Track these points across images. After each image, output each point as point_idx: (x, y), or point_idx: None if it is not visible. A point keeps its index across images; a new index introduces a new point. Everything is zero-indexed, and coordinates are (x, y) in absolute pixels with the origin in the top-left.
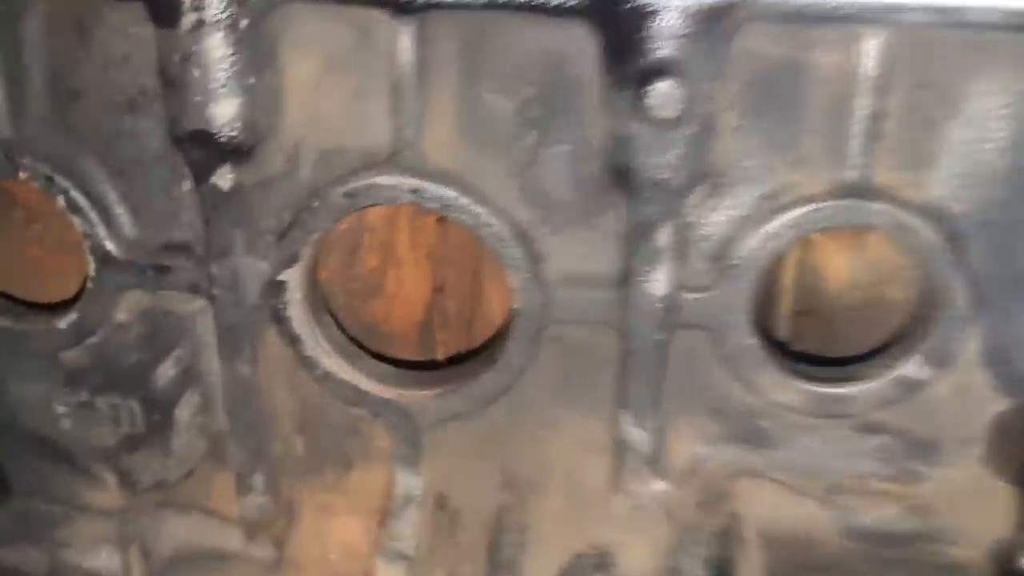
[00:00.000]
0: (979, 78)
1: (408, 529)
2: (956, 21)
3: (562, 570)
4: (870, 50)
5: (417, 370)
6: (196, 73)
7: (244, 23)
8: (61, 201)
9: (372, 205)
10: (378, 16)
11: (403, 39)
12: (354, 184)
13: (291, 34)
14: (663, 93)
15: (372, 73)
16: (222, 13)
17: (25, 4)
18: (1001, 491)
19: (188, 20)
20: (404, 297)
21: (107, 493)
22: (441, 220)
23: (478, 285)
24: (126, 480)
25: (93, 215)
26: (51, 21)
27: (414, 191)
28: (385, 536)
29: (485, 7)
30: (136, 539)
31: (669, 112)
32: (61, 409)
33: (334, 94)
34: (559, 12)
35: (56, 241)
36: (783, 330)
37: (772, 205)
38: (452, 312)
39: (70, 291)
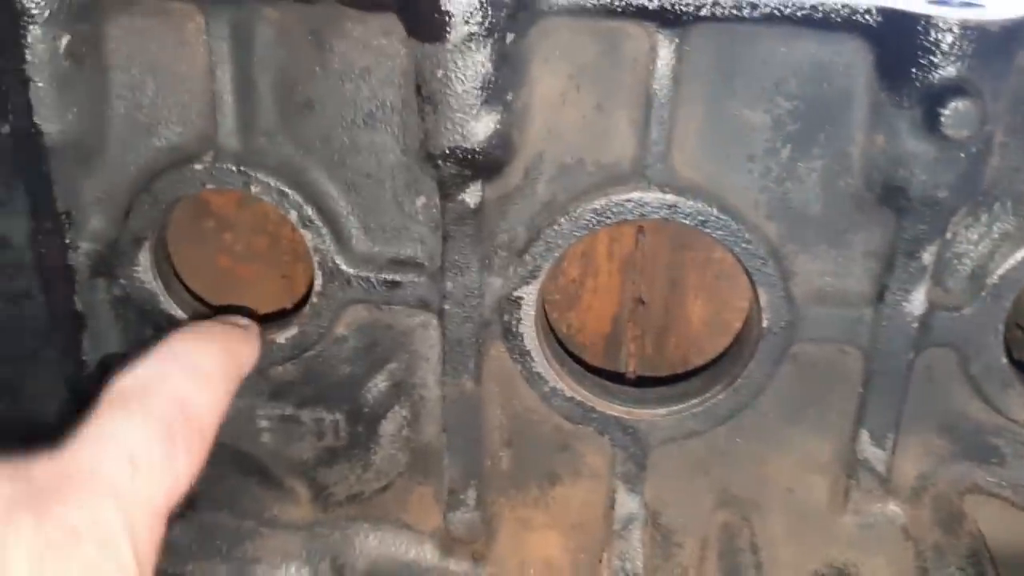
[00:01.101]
0: None
1: (635, 549)
2: None
3: None
4: None
5: (610, 380)
6: (459, 89)
7: (510, 38)
8: (294, 216)
9: (622, 222)
10: (633, 29)
11: (663, 51)
12: (604, 200)
13: (543, 48)
14: (961, 113)
15: (617, 87)
16: (492, 27)
17: (255, 15)
18: None
19: (457, 34)
20: (598, 307)
21: (299, 507)
22: (640, 231)
23: (676, 297)
24: (320, 494)
25: (324, 230)
26: (283, 33)
27: (670, 207)
28: (613, 556)
29: (758, 20)
30: (328, 554)
31: (965, 132)
32: (264, 423)
33: (577, 108)
34: (838, 26)
35: (245, 250)
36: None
37: None
38: (646, 324)
39: (256, 301)
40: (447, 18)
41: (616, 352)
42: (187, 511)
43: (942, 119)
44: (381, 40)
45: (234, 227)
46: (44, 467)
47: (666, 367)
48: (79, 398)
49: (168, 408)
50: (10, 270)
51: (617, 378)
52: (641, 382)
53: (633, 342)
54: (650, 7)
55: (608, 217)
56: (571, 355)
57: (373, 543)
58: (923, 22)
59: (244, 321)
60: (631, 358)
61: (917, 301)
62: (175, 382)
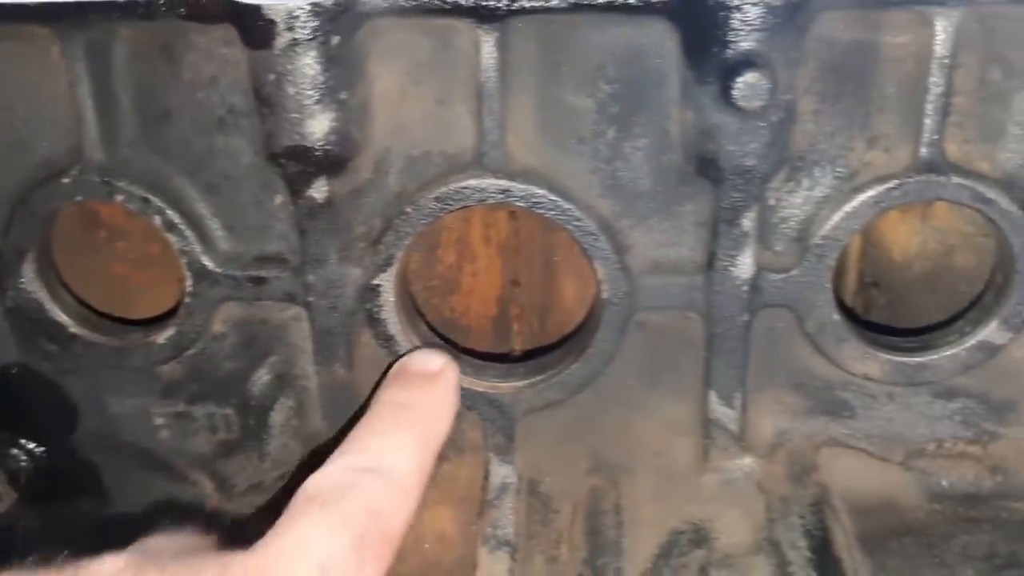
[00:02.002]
0: None
1: (507, 517)
2: None
3: (661, 547)
4: (941, 30)
5: (495, 361)
6: (291, 91)
7: (335, 40)
8: (157, 221)
9: (462, 208)
10: (460, 25)
11: (486, 45)
12: (444, 188)
13: (377, 48)
14: (750, 84)
15: (453, 80)
16: (315, 32)
17: (108, 35)
18: None
19: (282, 40)
20: (480, 291)
21: (206, 498)
22: (513, 215)
23: (552, 276)
24: (223, 485)
25: (189, 232)
26: (136, 48)
27: (503, 191)
28: (486, 525)
29: (567, 9)
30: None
31: (756, 102)
32: (159, 420)
33: (418, 103)
34: (641, 10)
35: (140, 257)
36: (851, 302)
37: (850, 185)
38: (527, 304)
39: (155, 305)
40: (271, 26)
41: (505, 332)
42: (102, 509)
43: (734, 91)
44: (224, 49)
45: (126, 236)
46: (243, 568)
47: (550, 343)
48: None
49: (362, 518)
50: None
51: (505, 357)
52: (527, 358)
53: (516, 321)
54: (465, 4)
55: (449, 203)
56: (453, 339)
57: None
58: (714, 1)
59: (436, 363)
60: (517, 337)
61: (744, 265)
62: (371, 490)
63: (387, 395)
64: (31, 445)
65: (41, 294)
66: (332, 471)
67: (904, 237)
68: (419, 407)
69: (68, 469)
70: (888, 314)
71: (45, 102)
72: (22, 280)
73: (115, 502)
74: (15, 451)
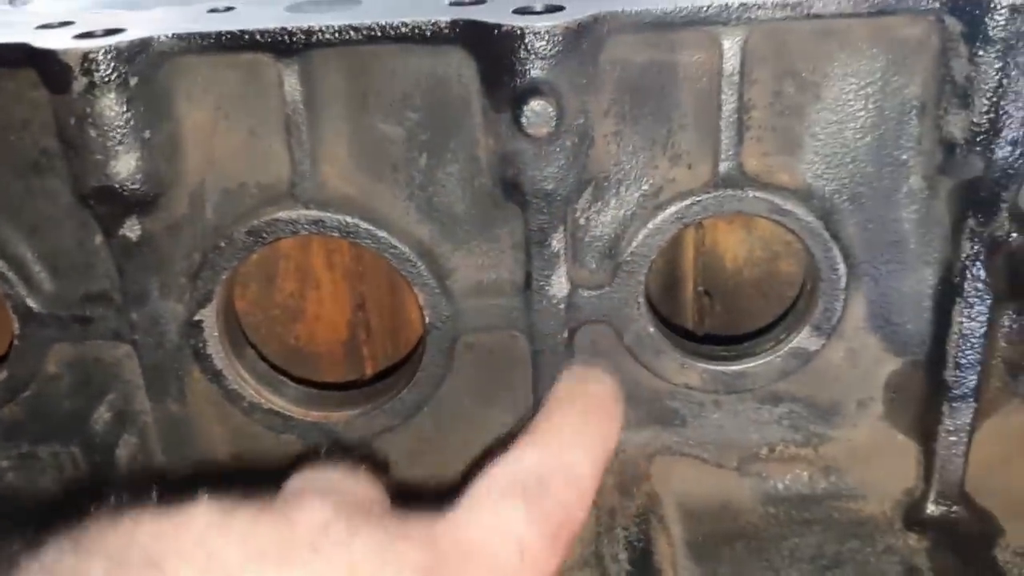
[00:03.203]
0: (834, 63)
1: None
2: (806, 13)
3: None
4: (730, 47)
5: (346, 388)
6: (93, 133)
7: (134, 81)
8: None
9: (275, 240)
10: (262, 59)
11: (289, 78)
12: (256, 221)
13: (183, 85)
14: (536, 112)
15: (263, 113)
16: (111, 74)
17: None
18: (902, 445)
19: (79, 84)
20: (326, 318)
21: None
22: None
23: (397, 298)
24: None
25: (12, 275)
26: None
27: (315, 222)
28: None
29: (364, 41)
30: None
31: (544, 129)
32: (3, 463)
33: (231, 136)
34: (436, 40)
35: None
36: (689, 311)
37: (654, 202)
38: (375, 327)
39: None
40: (67, 70)
41: (356, 358)
42: None
43: (522, 119)
44: (32, 93)
45: None
46: (448, 540)
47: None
48: None
49: (559, 513)
50: None
51: (361, 383)
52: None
53: (366, 346)
54: (262, 40)
55: (264, 236)
56: (298, 368)
57: None
58: (497, 31)
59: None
60: (368, 361)
61: (559, 284)
62: (563, 488)
63: (571, 393)
64: None
65: None
66: (528, 462)
67: (733, 247)
68: (599, 415)
69: None
70: (724, 321)
71: None
72: None
73: None
74: None
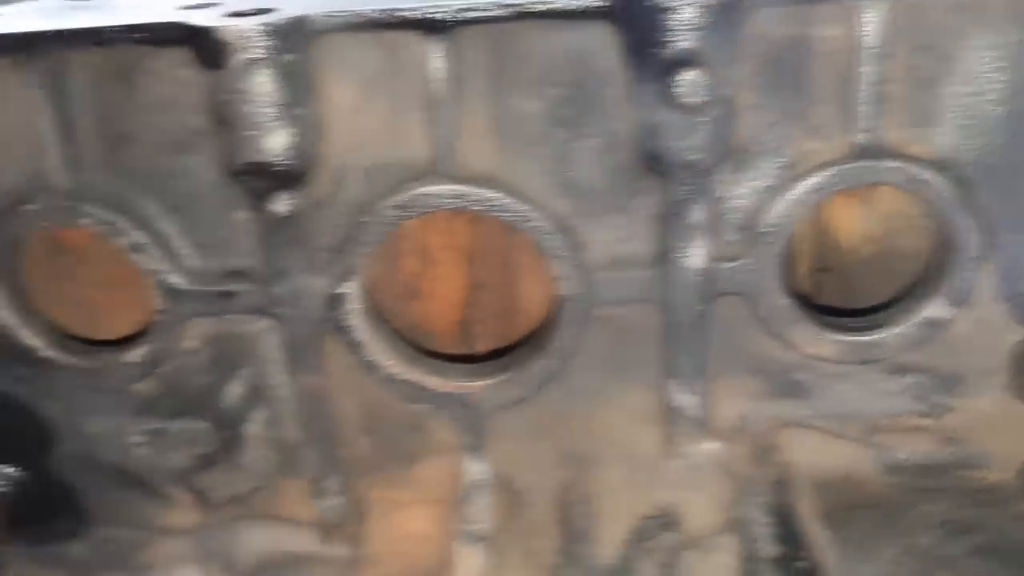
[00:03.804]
0: (971, 36)
1: (481, 512)
2: None
3: (632, 533)
4: (870, 20)
5: (461, 363)
6: (246, 109)
7: (288, 58)
8: (124, 242)
9: (420, 214)
10: (408, 38)
11: (434, 56)
12: (401, 197)
13: (330, 63)
14: (689, 82)
15: (405, 91)
16: (268, 51)
17: (65, 63)
18: None
19: (237, 60)
20: (442, 296)
21: (184, 513)
22: (473, 220)
23: (512, 278)
24: (202, 498)
25: (156, 252)
26: (93, 75)
27: (458, 196)
28: (460, 521)
29: (512, 18)
30: (217, 554)
31: (696, 98)
32: (136, 438)
33: (372, 114)
34: (582, 15)
35: (107, 280)
36: (804, 287)
37: (792, 173)
38: (489, 306)
39: (125, 325)
40: (225, 47)
41: (468, 336)
42: (83, 529)
43: (676, 89)
44: (180, 72)
45: (92, 259)
46: None
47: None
48: None
49: None
50: None
51: (469, 359)
52: (490, 358)
53: (480, 324)
54: (412, 18)
55: (408, 211)
56: (418, 343)
57: (257, 539)
58: (650, 3)
59: None
60: (481, 339)
61: (696, 256)
62: None
63: None
64: (10, 469)
65: (11, 320)
66: None
67: (849, 223)
68: None
69: (46, 491)
70: (839, 298)
71: (7, 131)
72: None
73: (92, 523)
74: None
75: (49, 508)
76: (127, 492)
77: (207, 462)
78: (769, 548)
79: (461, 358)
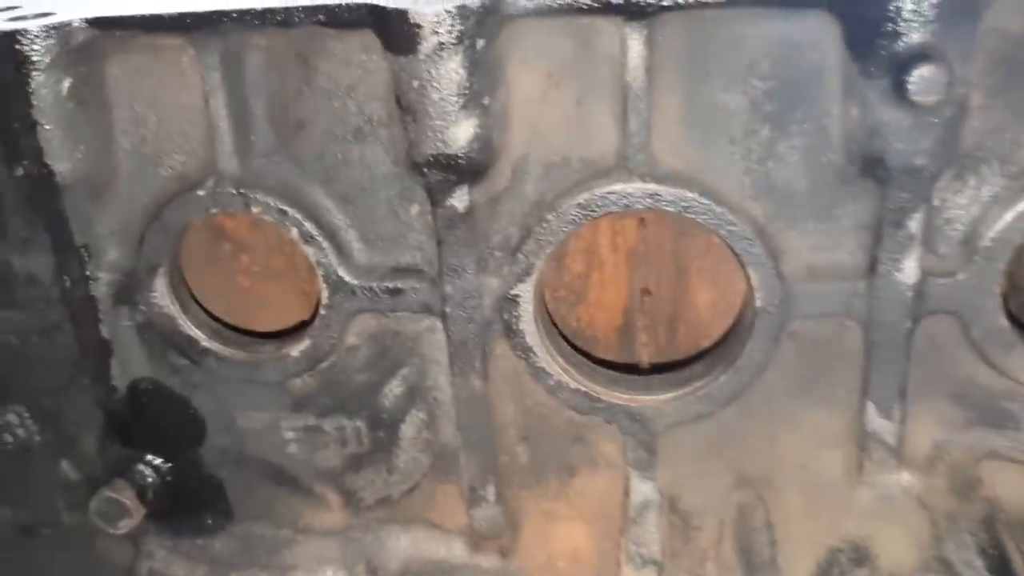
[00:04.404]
0: None
1: (651, 534)
2: None
3: (820, 565)
4: None
5: (626, 372)
6: (435, 97)
7: (480, 44)
8: (295, 233)
9: (607, 214)
10: (604, 24)
11: (634, 44)
12: (589, 194)
13: (518, 50)
14: (926, 78)
15: (595, 82)
16: (461, 36)
17: (243, 43)
18: None
19: (428, 45)
20: (607, 301)
21: (331, 513)
22: (642, 221)
23: (683, 285)
24: (350, 499)
25: (326, 244)
26: (270, 57)
27: (652, 196)
28: (629, 543)
29: (721, 4)
30: (362, 557)
31: (932, 97)
32: (289, 434)
33: (557, 106)
34: (798, 3)
35: (263, 270)
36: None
37: (1020, 183)
38: (655, 313)
39: (277, 317)
40: (417, 30)
41: (630, 343)
42: (227, 524)
43: (909, 86)
44: (362, 56)
45: (250, 248)
46: None
47: (680, 354)
48: (112, 422)
49: None
50: (40, 305)
51: (631, 368)
52: (656, 370)
53: (644, 332)
54: (615, 2)
55: (593, 210)
56: (582, 349)
57: (404, 544)
58: None
59: None
60: (643, 348)
61: (909, 269)
62: None
63: None
64: (158, 460)
65: (173, 308)
66: None
67: None
68: None
69: (192, 484)
70: None
71: (178, 114)
72: (154, 294)
73: (238, 518)
74: (142, 467)
75: (195, 501)
76: (275, 489)
77: (359, 462)
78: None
79: (626, 367)
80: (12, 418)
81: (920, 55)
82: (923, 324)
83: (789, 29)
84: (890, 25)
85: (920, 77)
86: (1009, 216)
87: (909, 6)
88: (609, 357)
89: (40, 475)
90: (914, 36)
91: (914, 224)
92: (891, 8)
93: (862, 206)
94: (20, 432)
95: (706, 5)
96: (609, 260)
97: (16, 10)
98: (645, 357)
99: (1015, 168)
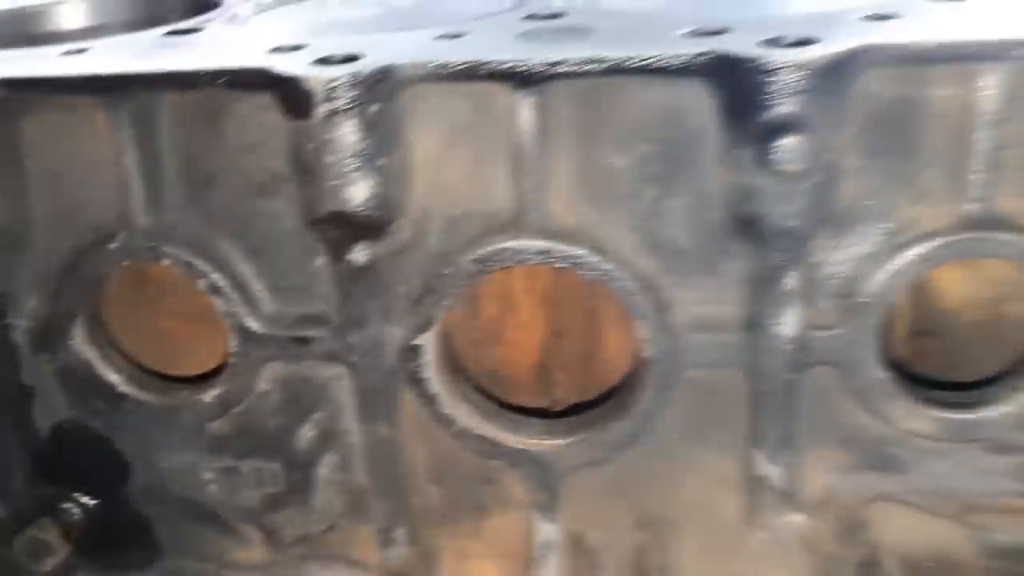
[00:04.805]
0: None
1: (553, 573)
2: None
3: None
4: (989, 84)
5: (536, 415)
6: (330, 159)
7: (373, 108)
8: (202, 284)
9: (501, 268)
10: (496, 89)
11: (524, 109)
12: (484, 250)
13: (416, 112)
14: (790, 148)
15: (493, 142)
16: (354, 101)
17: (153, 103)
18: None
19: (321, 110)
20: (522, 342)
21: (253, 550)
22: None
23: (595, 326)
24: (271, 537)
25: (233, 295)
26: (180, 116)
27: (542, 252)
28: None
29: (604, 73)
30: None
31: (796, 165)
32: (207, 475)
33: (457, 164)
34: (677, 73)
35: (187, 311)
36: (901, 351)
37: (896, 241)
38: (569, 354)
39: (202, 358)
40: (310, 96)
41: (547, 382)
42: (155, 559)
43: (772, 156)
44: (264, 116)
45: (175, 290)
46: None
47: (595, 392)
48: (38, 461)
49: None
50: None
51: (542, 412)
52: (571, 412)
53: (560, 371)
54: (503, 70)
55: (490, 264)
56: (495, 392)
57: None
58: (751, 64)
59: None
60: (560, 387)
61: (789, 323)
62: None
63: None
64: (84, 498)
65: (91, 355)
66: None
67: (955, 286)
68: None
69: (120, 521)
70: (941, 362)
71: (93, 170)
72: (72, 342)
73: (164, 554)
74: (68, 504)
75: (122, 537)
76: (199, 526)
77: (277, 502)
78: None
79: (539, 411)
80: None
81: (786, 125)
82: (809, 374)
83: (671, 96)
84: (759, 96)
85: (784, 147)
86: (883, 274)
87: (776, 78)
88: (527, 396)
89: None
90: (782, 108)
91: (791, 281)
92: (760, 80)
93: (743, 263)
94: None
95: (589, 74)
96: (523, 303)
97: None
98: (560, 395)
99: (890, 227)
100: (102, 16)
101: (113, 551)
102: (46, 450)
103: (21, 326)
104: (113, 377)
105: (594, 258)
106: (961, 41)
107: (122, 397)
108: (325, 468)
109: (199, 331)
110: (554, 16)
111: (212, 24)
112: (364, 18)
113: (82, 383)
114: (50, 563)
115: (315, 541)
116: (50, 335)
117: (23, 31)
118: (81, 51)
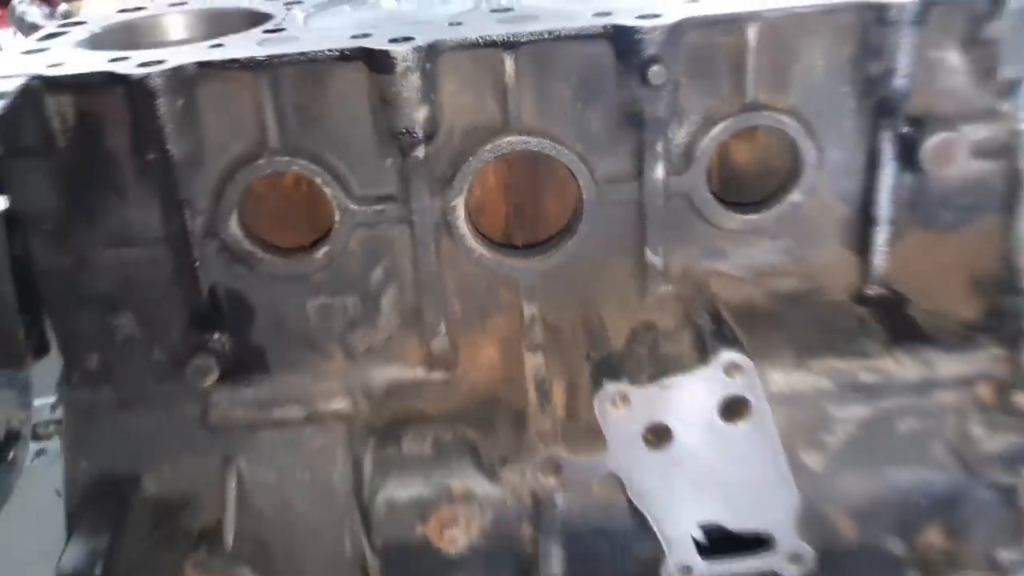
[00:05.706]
0: (804, 46)
1: (536, 333)
2: None
3: (629, 335)
4: (752, 34)
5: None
6: (405, 95)
7: (428, 66)
8: (319, 180)
9: (502, 155)
10: (492, 52)
11: (508, 62)
12: (490, 144)
13: (446, 68)
14: (655, 73)
15: (489, 84)
16: (416, 62)
17: (283, 71)
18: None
19: (400, 68)
20: (495, 212)
21: (334, 361)
22: (510, 165)
23: (541, 203)
24: (347, 350)
25: (336, 186)
26: (299, 78)
27: (524, 142)
28: (525, 340)
29: (553, 39)
30: (358, 387)
31: (659, 81)
32: (310, 308)
33: (467, 98)
34: (593, 36)
35: (274, 215)
36: (715, 186)
37: (709, 122)
38: (524, 219)
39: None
40: (391, 61)
41: (511, 238)
42: (267, 377)
43: (648, 75)
44: (355, 75)
45: (265, 200)
46: None
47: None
48: (195, 315)
49: None
50: (150, 241)
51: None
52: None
53: (518, 231)
54: (498, 40)
55: (495, 152)
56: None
57: (385, 374)
58: (633, 29)
59: None
60: (517, 240)
61: (659, 172)
62: None
63: None
64: (224, 338)
65: (239, 235)
66: None
67: (741, 147)
68: None
69: (244, 352)
70: (737, 190)
71: (244, 116)
72: (229, 227)
73: (273, 373)
74: (214, 344)
75: (246, 363)
76: (299, 349)
77: (354, 324)
78: (711, 333)
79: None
80: (123, 320)
81: (654, 59)
82: (671, 201)
83: (590, 49)
84: (638, 46)
85: (653, 71)
86: (704, 142)
87: (647, 36)
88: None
89: (137, 361)
90: (650, 50)
91: (659, 147)
92: (639, 37)
93: (632, 141)
94: (127, 330)
95: (544, 40)
96: (494, 187)
97: None
98: (519, 242)
99: (704, 115)
100: (192, 30)
101: (239, 374)
102: (202, 306)
103: (197, 219)
104: (253, 248)
105: (553, 144)
106: (737, 11)
107: (260, 261)
108: (388, 298)
109: (281, 229)
110: (508, 10)
111: (288, 27)
112: (376, 19)
113: (232, 254)
114: (209, 379)
115: (378, 349)
116: (215, 224)
117: (132, 39)
118: (219, 45)
